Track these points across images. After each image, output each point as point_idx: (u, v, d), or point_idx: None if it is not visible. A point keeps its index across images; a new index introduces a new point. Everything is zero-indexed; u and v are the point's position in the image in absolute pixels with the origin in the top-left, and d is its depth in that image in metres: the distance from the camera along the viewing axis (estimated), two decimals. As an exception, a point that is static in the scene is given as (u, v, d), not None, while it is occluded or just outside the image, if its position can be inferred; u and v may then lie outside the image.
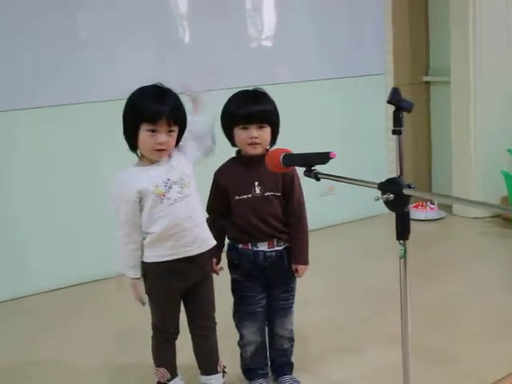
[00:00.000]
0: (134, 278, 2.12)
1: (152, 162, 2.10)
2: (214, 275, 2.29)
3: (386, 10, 4.55)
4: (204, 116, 2.20)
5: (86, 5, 3.61)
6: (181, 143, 2.15)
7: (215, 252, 2.24)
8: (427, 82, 4.98)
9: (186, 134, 2.14)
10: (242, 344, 2.38)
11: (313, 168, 1.86)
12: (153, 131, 2.02)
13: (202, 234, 2.14)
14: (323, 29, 4.35)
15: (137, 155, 2.13)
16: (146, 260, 2.13)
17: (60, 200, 3.61)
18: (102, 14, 3.62)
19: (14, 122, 3.46)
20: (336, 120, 4.47)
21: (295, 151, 1.94)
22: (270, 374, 2.43)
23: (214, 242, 2.19)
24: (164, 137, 2.03)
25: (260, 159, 2.18)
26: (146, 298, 2.16)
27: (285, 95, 4.12)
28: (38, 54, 3.45)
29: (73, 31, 3.58)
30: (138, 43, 3.72)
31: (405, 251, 1.75)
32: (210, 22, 3.92)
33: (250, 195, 2.22)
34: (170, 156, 2.11)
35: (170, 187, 2.06)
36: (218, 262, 2.29)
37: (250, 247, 2.25)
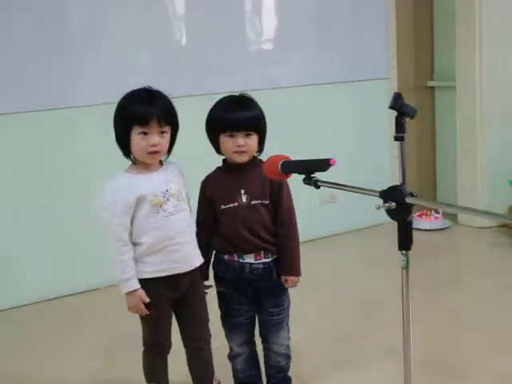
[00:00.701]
0: (137, 290, 2.02)
1: (146, 168, 2.05)
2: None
3: (389, 13, 4.51)
4: None
5: (76, 5, 3.57)
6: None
7: (203, 270, 2.21)
8: (432, 87, 4.93)
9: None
10: (231, 356, 2.32)
11: (312, 175, 1.80)
12: (145, 133, 1.99)
13: (192, 251, 2.11)
14: (325, 32, 4.31)
15: (131, 160, 2.08)
16: (141, 276, 2.06)
17: (51, 210, 3.56)
18: (92, 14, 3.58)
19: (4, 126, 3.42)
20: (338, 126, 4.43)
21: (295, 158, 1.88)
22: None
23: (202, 260, 2.15)
24: (156, 138, 2.00)
25: (246, 166, 2.15)
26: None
27: (284, 100, 4.12)
28: (24, 57, 3.41)
29: (63, 34, 3.55)
30: (133, 46, 3.68)
31: (407, 262, 1.69)
32: (208, 24, 3.87)
33: (236, 204, 2.15)
34: (162, 165, 2.08)
35: (168, 199, 2.03)
36: (204, 279, 2.24)
37: (235, 259, 2.18)
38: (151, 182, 2.03)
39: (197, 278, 2.15)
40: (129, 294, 2.01)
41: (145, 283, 2.05)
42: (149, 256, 2.04)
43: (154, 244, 2.02)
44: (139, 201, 2.00)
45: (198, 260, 2.13)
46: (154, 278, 2.05)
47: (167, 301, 2.10)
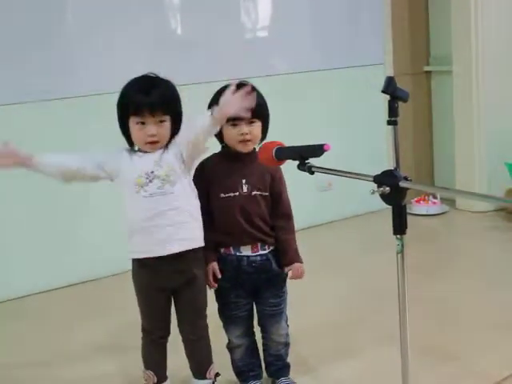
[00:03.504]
0: None
1: (145, 152, 2.05)
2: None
3: (384, -2, 4.49)
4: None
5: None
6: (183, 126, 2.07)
7: (209, 256, 2.15)
8: (428, 72, 4.90)
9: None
10: (229, 347, 2.32)
11: (306, 161, 1.80)
12: (142, 123, 1.98)
13: (176, 234, 2.03)
14: (320, 18, 4.27)
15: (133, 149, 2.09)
16: (129, 256, 2.10)
17: (44, 199, 3.53)
18: (91, 4, 3.56)
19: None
20: (334, 112, 4.41)
21: (291, 144, 1.88)
22: (263, 374, 2.37)
23: (195, 244, 2.07)
24: (154, 128, 1.98)
25: (248, 156, 2.14)
26: None
27: (280, 87, 4.10)
28: (24, 46, 3.38)
29: (60, 22, 3.53)
30: (129, 35, 3.65)
31: (402, 246, 1.69)
32: (204, 11, 3.85)
33: (236, 193, 2.13)
34: (167, 148, 2.05)
35: (151, 181, 2.01)
36: (213, 260, 2.16)
37: (232, 252, 2.16)
38: (139, 163, 2.02)
39: (192, 272, 2.10)
40: None
41: (137, 266, 2.08)
42: (130, 237, 2.06)
43: (133, 223, 2.03)
44: (121, 177, 2.03)
45: (188, 243, 2.05)
46: (143, 262, 2.06)
47: (160, 292, 2.09)
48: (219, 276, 2.16)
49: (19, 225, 3.50)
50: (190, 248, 2.06)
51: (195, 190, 2.10)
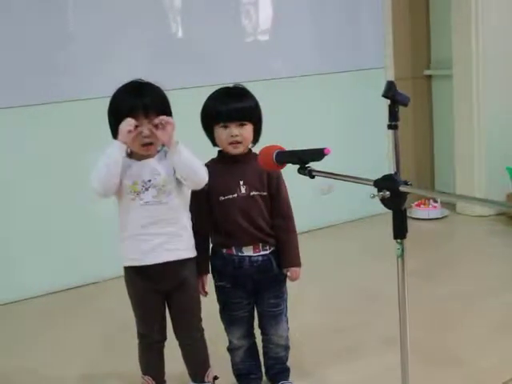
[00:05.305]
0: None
1: (141, 157, 2.05)
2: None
3: (385, 1, 4.47)
4: None
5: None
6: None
7: (202, 266, 2.17)
8: (429, 76, 4.90)
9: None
10: (230, 349, 2.33)
11: (307, 165, 1.80)
12: (136, 126, 1.98)
13: (165, 244, 2.05)
14: (320, 22, 4.28)
15: (126, 152, 2.08)
16: (122, 263, 2.11)
17: (47, 202, 3.54)
18: (91, 8, 3.56)
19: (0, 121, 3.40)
20: (334, 116, 4.41)
21: (292, 148, 1.88)
22: (263, 377, 2.37)
23: (183, 256, 2.09)
24: (147, 130, 1.98)
25: (244, 158, 2.16)
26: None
27: (281, 91, 4.12)
28: (24, 50, 3.39)
29: (62, 27, 3.54)
30: (129, 38, 3.66)
31: (402, 250, 1.69)
32: (203, 15, 3.86)
33: (235, 195, 2.15)
34: (165, 155, 2.05)
35: (147, 189, 2.02)
36: (205, 272, 2.21)
37: (234, 252, 2.17)
38: (137, 170, 2.02)
39: (187, 271, 2.11)
40: (119, 144, 1.97)
41: (128, 272, 2.10)
42: (122, 242, 2.07)
43: (125, 229, 2.04)
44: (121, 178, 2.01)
45: (176, 254, 2.06)
46: (131, 268, 2.08)
47: (151, 292, 2.09)
48: (205, 293, 2.21)
49: (20, 226, 3.51)
50: (177, 259, 2.07)
51: (188, 200, 2.12)
